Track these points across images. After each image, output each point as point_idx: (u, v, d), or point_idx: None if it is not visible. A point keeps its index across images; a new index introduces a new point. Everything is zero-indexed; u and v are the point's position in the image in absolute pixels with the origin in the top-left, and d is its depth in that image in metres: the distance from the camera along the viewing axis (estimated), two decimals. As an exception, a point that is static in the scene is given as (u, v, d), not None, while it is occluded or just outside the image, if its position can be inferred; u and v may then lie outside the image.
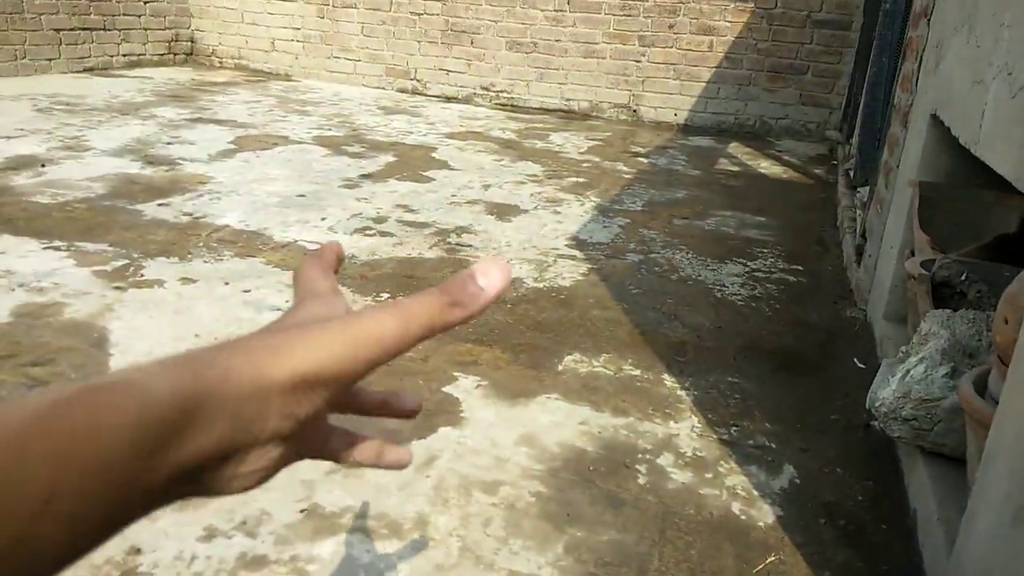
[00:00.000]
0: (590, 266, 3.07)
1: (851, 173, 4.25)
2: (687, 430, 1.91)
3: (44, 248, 2.76)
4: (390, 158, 4.67)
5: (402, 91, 7.33)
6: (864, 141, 3.98)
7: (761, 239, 3.58)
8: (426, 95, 7.27)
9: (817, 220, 4.03)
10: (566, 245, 3.31)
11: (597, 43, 6.65)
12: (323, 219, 3.41)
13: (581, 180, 4.49)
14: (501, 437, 1.81)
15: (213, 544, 1.41)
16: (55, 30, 6.53)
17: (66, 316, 2.25)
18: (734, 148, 5.82)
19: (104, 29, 6.96)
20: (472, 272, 0.34)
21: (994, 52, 1.59)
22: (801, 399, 2.14)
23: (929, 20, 2.45)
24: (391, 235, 3.27)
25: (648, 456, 1.78)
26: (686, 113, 6.56)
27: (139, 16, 7.30)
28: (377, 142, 5.08)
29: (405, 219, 3.50)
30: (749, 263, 3.22)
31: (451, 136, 5.50)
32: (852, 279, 3.06)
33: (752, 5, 6.15)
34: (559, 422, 1.90)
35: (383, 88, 7.39)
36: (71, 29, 6.66)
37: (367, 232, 3.28)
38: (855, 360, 2.43)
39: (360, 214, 3.52)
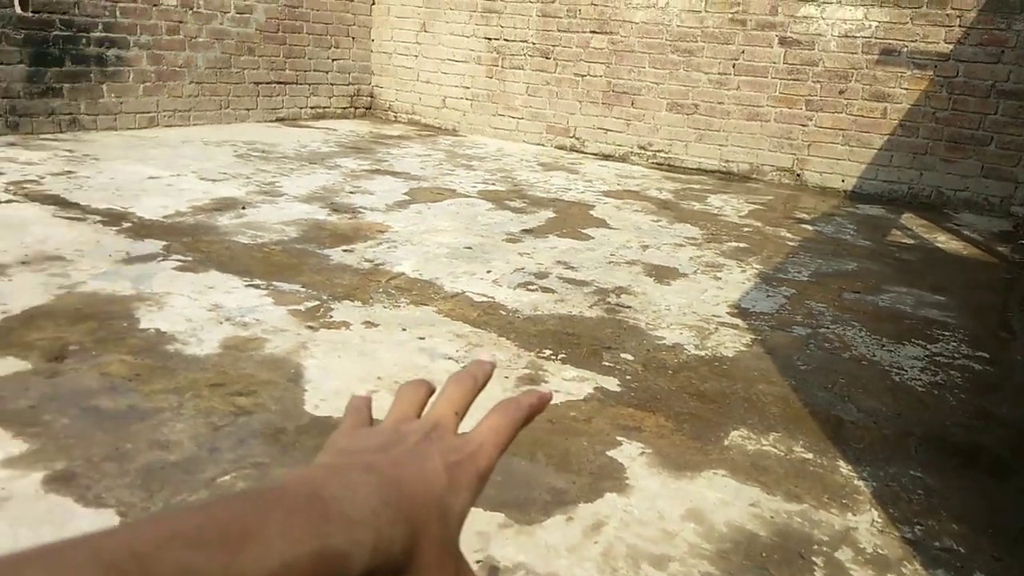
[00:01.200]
0: (753, 336, 3.01)
1: (1045, 254, 3.93)
2: (867, 524, 1.82)
3: (246, 286, 3.05)
4: (550, 214, 4.81)
5: (560, 148, 7.54)
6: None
7: (941, 320, 3.37)
8: (583, 152, 7.43)
9: (1002, 303, 3.75)
10: (728, 313, 3.26)
11: (761, 106, 6.58)
12: (488, 271, 3.55)
13: (742, 245, 4.42)
14: (668, 509, 1.81)
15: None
16: (255, 83, 7.26)
17: (266, 351, 2.47)
18: (907, 219, 5.53)
19: (296, 83, 7.66)
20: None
21: None
22: (991, 502, 1.98)
23: None
24: (552, 291, 3.36)
25: (825, 548, 1.71)
26: (854, 180, 6.32)
27: (327, 72, 7.99)
28: (537, 197, 5.25)
29: (565, 276, 3.58)
30: (929, 346, 3.04)
31: (608, 194, 5.59)
32: (1049, 372, 2.82)
33: (931, 73, 5.89)
34: (727, 500, 1.87)
35: (542, 145, 7.64)
36: (268, 83, 7.38)
37: (529, 287, 3.38)
38: (1054, 464, 2.23)
39: (523, 268, 3.64)
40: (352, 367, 2.41)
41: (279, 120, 7.57)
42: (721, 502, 1.86)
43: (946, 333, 3.21)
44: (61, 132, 5.87)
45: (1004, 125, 5.74)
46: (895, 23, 5.94)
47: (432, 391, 0.46)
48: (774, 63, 6.45)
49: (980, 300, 3.73)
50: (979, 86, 5.75)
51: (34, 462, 1.78)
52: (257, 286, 3.06)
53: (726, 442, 2.16)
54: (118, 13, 6.05)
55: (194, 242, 3.54)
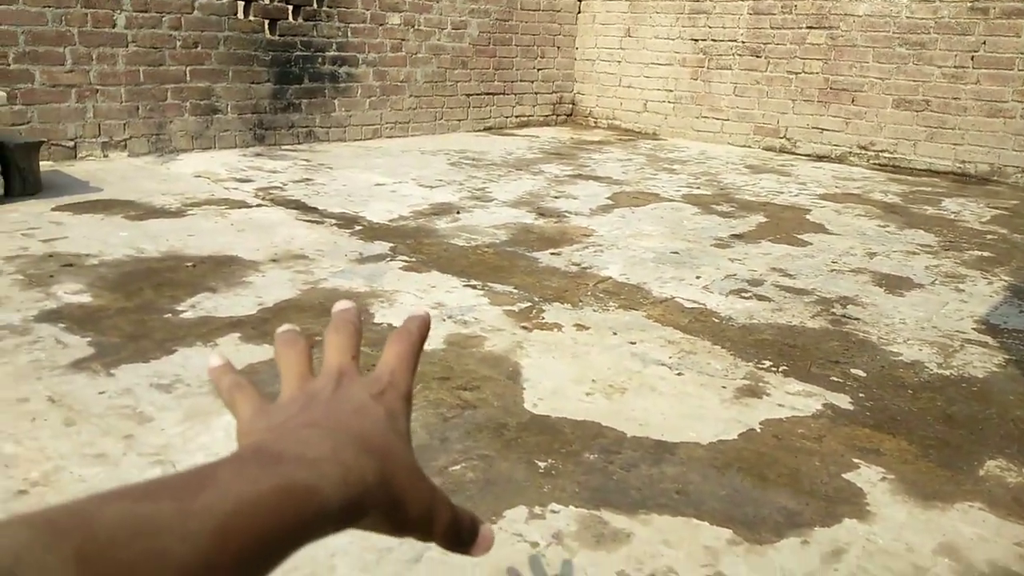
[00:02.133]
0: (1007, 356, 2.68)
1: None
2: None
3: (464, 285, 3.20)
4: (760, 218, 4.60)
5: (769, 149, 7.20)
6: None
7: None
8: (795, 154, 7.04)
9: None
10: (974, 329, 2.93)
11: (1006, 101, 5.87)
12: (697, 277, 3.46)
13: (986, 254, 3.96)
14: (917, 542, 1.65)
15: (625, 588, 1.48)
16: (466, 95, 7.62)
17: (485, 348, 2.57)
18: None
19: (503, 94, 7.95)
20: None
21: None
22: None
23: None
24: (768, 299, 3.20)
25: (1116, 603, 1.48)
26: None
27: (532, 82, 8.21)
28: (746, 201, 5.04)
29: (782, 283, 3.40)
30: None
31: (825, 197, 5.24)
32: None
33: None
34: (986, 537, 1.67)
35: (749, 147, 7.33)
36: (478, 94, 7.72)
37: (743, 295, 3.25)
38: None
39: (735, 275, 3.50)
40: (566, 368, 2.45)
41: (487, 129, 7.89)
42: (980, 538, 1.67)
43: None
44: (299, 143, 6.51)
45: None
46: None
47: (307, 340, 0.44)
48: (1022, 53, 5.73)
49: None
50: None
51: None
52: (474, 286, 3.19)
53: (981, 472, 1.94)
54: (349, 33, 6.61)
55: (416, 244, 3.77)
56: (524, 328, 2.77)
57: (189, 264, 3.32)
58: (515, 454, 1.94)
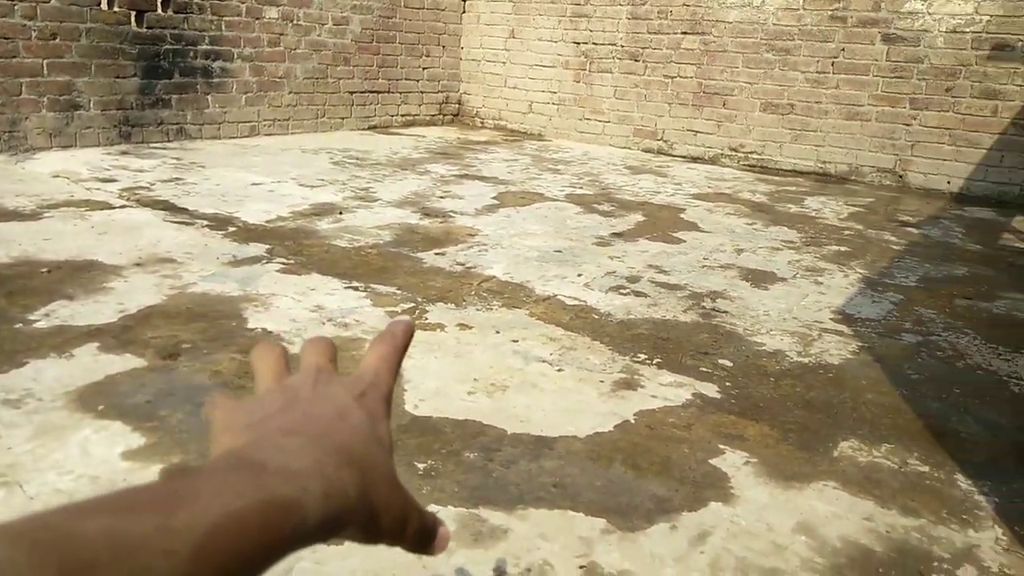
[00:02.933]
0: (860, 344, 2.89)
1: None
2: (990, 542, 1.71)
3: (345, 287, 3.13)
4: (639, 217, 4.75)
5: (647, 151, 7.45)
6: None
7: (1066, 330, 3.15)
8: (671, 155, 7.32)
9: None
10: (831, 319, 3.14)
11: (862, 105, 6.33)
12: (579, 275, 3.53)
13: (843, 249, 4.25)
14: (777, 521, 1.75)
15: (501, 585, 1.49)
16: (349, 92, 7.48)
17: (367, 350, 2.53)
18: (1020, 222, 5.21)
19: (388, 92, 7.85)
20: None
21: None
22: None
23: None
24: (645, 295, 3.31)
25: (946, 566, 1.62)
26: (961, 181, 5.99)
27: (417, 81, 8.16)
28: (626, 201, 5.20)
29: (657, 280, 3.53)
30: (1054, 357, 2.84)
31: (699, 197, 5.48)
32: None
33: (1052, 65, 5.52)
34: (839, 514, 1.79)
35: (629, 148, 7.56)
36: (362, 92, 7.59)
37: (621, 291, 3.35)
38: None
39: (614, 272, 3.60)
40: (448, 368, 2.44)
41: (371, 128, 7.77)
42: (833, 515, 1.79)
43: (1073, 343, 2.99)
44: (169, 141, 6.19)
45: None
46: (1008, 16, 5.61)
47: (282, 347, 0.44)
48: (876, 60, 6.19)
49: (1110, 308, 3.47)
50: (1105, 79, 5.36)
51: (151, 455, 1.87)
52: (356, 288, 3.13)
53: (835, 453, 2.08)
54: (223, 27, 6.35)
55: (296, 246, 3.66)
56: (406, 329, 2.74)
57: (44, 270, 3.09)
58: (394, 457, 1.91)
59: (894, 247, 4.36)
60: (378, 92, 7.75)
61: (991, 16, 5.67)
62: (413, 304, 2.99)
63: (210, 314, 2.76)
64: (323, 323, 2.73)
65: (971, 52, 5.79)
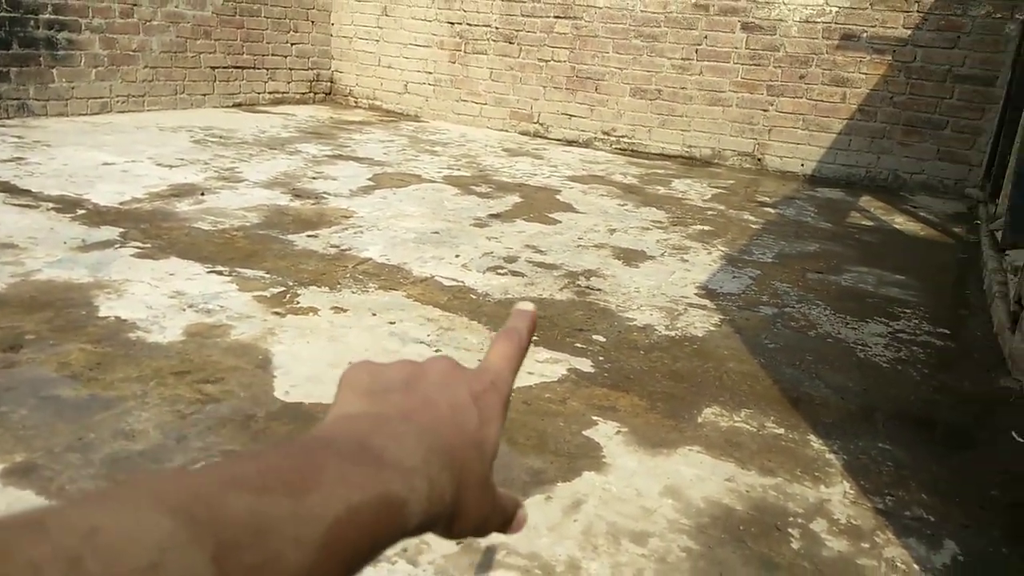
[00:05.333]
0: (722, 317, 3.04)
1: (998, 235, 4.03)
2: (839, 496, 1.85)
3: (208, 272, 2.97)
4: (516, 199, 4.79)
5: (524, 134, 7.52)
6: (1017, 202, 3.78)
7: (902, 299, 3.44)
8: (547, 138, 7.42)
9: (960, 282, 3.84)
10: (696, 294, 3.28)
11: (724, 91, 6.63)
12: (457, 256, 3.52)
13: (707, 228, 4.46)
14: (645, 487, 1.81)
15: (377, 570, 1.47)
16: (211, 67, 7.09)
17: (232, 337, 2.41)
18: (866, 202, 5.64)
19: (254, 68, 7.50)
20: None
21: None
22: (957, 472, 2.03)
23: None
24: (522, 275, 3.34)
25: (800, 520, 1.73)
26: (814, 164, 6.41)
27: (285, 57, 7.83)
28: (503, 183, 5.22)
29: (534, 260, 3.57)
30: (891, 323, 3.10)
31: (574, 179, 5.59)
32: (1006, 347, 2.89)
33: (890, 58, 5.99)
34: (703, 476, 1.88)
35: (506, 131, 7.60)
36: (225, 67, 7.21)
37: (499, 271, 3.36)
38: (1013, 434, 2.29)
39: (491, 253, 3.61)
40: (321, 352, 2.37)
41: (237, 106, 7.41)
42: (697, 478, 1.87)
43: (907, 311, 3.28)
44: (8, 118, 5.65)
45: (959, 109, 5.87)
46: (855, 8, 6.03)
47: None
48: (736, 48, 6.50)
49: (938, 279, 3.82)
50: (936, 71, 5.87)
51: (-9, 454, 1.71)
52: (220, 273, 2.98)
53: (700, 419, 2.18)
54: (67, -6, 5.84)
55: (153, 229, 3.44)
56: (276, 314, 2.64)
57: None
58: (264, 445, 1.84)
59: (753, 226, 4.61)
60: (243, 68, 7.39)
61: (839, 8, 6.08)
62: (283, 288, 2.88)
63: (57, 303, 2.55)
64: (183, 309, 2.58)
65: (822, 41, 6.19)
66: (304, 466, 0.27)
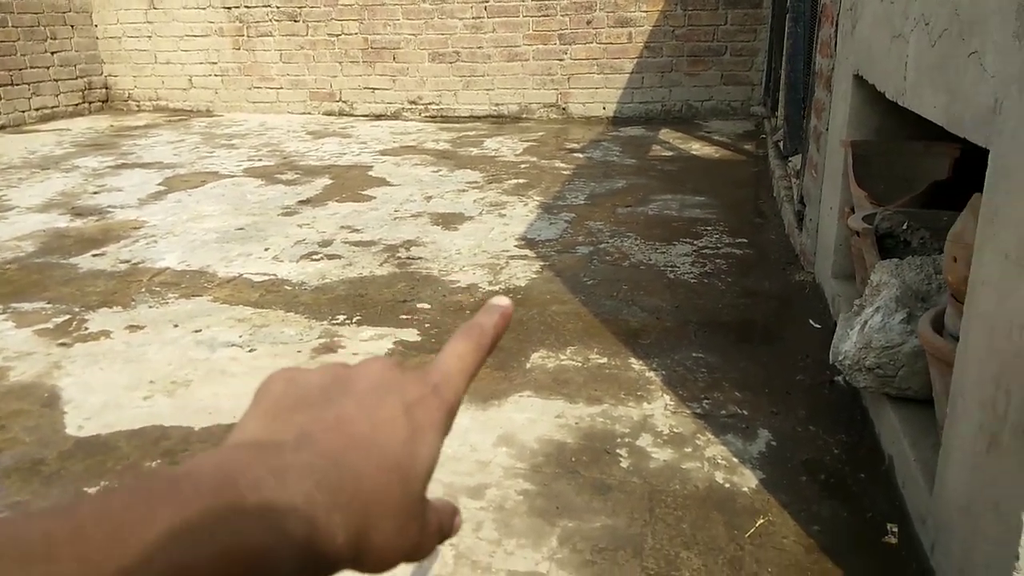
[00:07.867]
0: (542, 263, 3.08)
1: (780, 144, 4.37)
2: (661, 409, 1.93)
3: (-23, 313, 2.63)
4: (326, 181, 4.61)
5: (329, 114, 7.26)
6: (790, 112, 4.09)
7: (703, 218, 3.64)
8: (354, 115, 7.21)
9: (753, 193, 4.13)
10: (516, 246, 3.31)
11: (519, 46, 6.70)
12: (266, 249, 3.34)
13: (521, 181, 4.51)
14: (479, 441, 1.80)
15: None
16: (-42, 90, 6.27)
17: (11, 380, 2.15)
18: (665, 134, 5.93)
19: (12, 84, 6.71)
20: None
21: (909, 6, 1.65)
22: (764, 366, 2.18)
23: (838, -14, 2.54)
24: (339, 257, 3.22)
25: (627, 440, 1.79)
26: (614, 105, 6.65)
27: (47, 68, 7.07)
28: (311, 167, 5.02)
29: (351, 240, 3.46)
30: (696, 242, 3.28)
31: (385, 153, 5.47)
32: (796, 245, 3.14)
33: (664, -7, 6.28)
34: (534, 418, 1.90)
35: (309, 113, 7.31)
36: (-25, 88, 6.40)
37: (314, 257, 3.23)
38: (810, 321, 2.49)
39: (304, 240, 3.46)
40: (117, 376, 2.16)
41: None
42: (529, 421, 1.88)
43: (709, 228, 3.48)
44: None
45: (734, 33, 6.27)
46: (624, -50, 6.25)
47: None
48: (523, 1, 6.57)
49: (734, 194, 4.08)
50: (708, 0, 6.22)
51: None
52: (-9, 312, 2.65)
53: (528, 365, 2.19)
54: None
55: (-99, 277, 3.00)
56: (63, 345, 2.38)
57: None
58: (56, 489, 1.65)
59: (564, 172, 4.71)
60: (-2, 85, 6.59)
61: (610, -47, 6.28)
62: (69, 316, 2.60)
63: None
64: (-52, 360, 2.27)
65: (600, -13, 6.38)
66: (124, 515, 0.23)
